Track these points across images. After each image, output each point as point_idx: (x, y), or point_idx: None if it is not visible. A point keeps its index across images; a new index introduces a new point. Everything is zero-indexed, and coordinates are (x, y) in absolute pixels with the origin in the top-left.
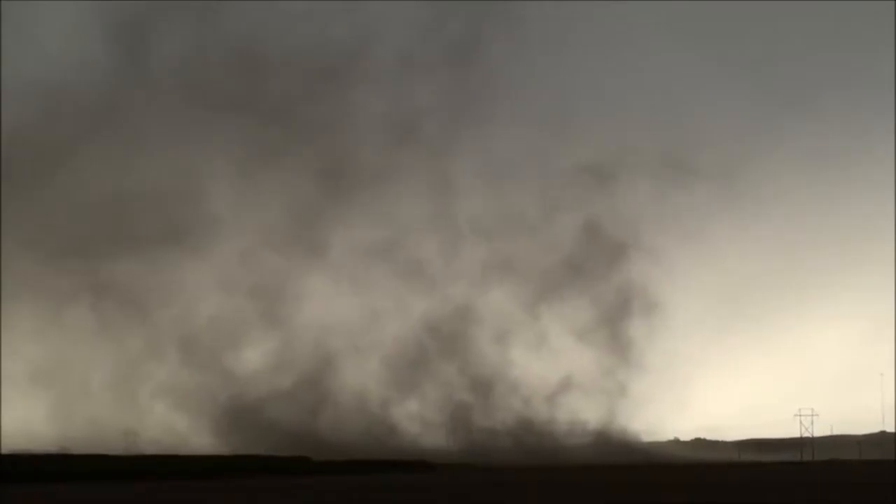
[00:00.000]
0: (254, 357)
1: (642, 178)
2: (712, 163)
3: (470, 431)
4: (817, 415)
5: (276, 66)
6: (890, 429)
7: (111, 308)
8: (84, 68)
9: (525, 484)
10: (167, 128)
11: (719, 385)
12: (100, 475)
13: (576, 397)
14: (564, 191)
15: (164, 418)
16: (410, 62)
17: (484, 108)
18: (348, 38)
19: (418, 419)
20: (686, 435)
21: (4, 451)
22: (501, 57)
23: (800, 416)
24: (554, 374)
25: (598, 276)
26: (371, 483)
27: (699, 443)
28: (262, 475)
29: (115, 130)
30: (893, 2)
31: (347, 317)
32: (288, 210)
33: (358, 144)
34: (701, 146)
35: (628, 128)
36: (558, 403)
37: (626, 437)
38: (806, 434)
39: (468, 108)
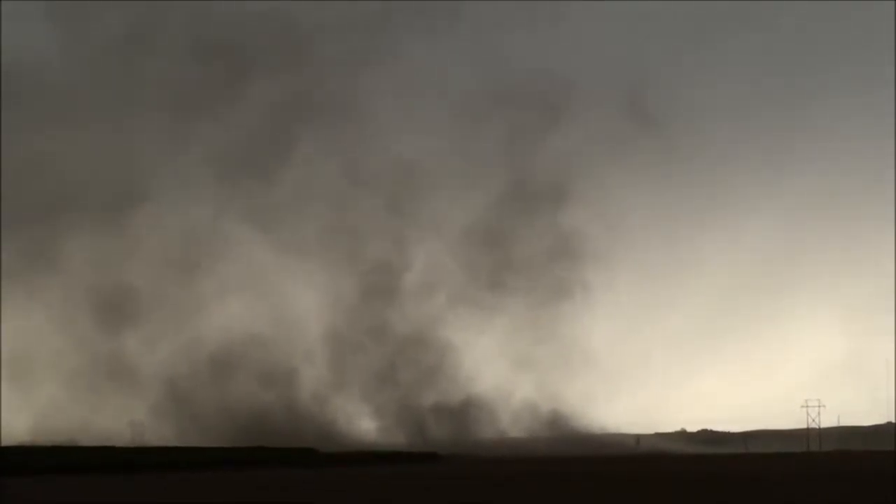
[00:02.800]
0: (190, 332)
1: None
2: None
3: (409, 418)
4: (824, 405)
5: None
6: None
7: (51, 283)
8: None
9: (527, 474)
10: (102, 97)
11: (725, 376)
12: (105, 467)
13: (522, 380)
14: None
15: (104, 401)
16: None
17: (401, 29)
18: None
19: (353, 404)
20: (692, 426)
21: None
22: None
23: (806, 406)
24: (503, 354)
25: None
26: (383, 474)
27: (705, 434)
28: (267, 467)
29: (47, 101)
30: (894, 1)
31: (277, 289)
32: (220, 173)
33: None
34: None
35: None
36: (503, 386)
37: (585, 426)
38: (813, 425)
39: (385, 30)
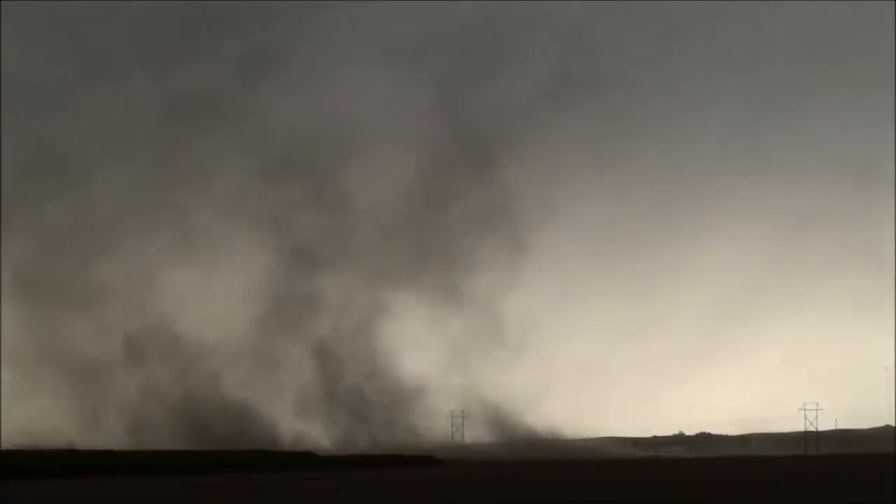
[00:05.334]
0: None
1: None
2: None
3: (341, 417)
4: (821, 409)
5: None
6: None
7: None
8: None
9: (530, 479)
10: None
11: (724, 379)
12: (104, 471)
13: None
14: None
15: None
16: None
17: None
18: None
19: (279, 405)
20: (690, 429)
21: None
22: None
23: (804, 409)
24: (427, 351)
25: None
26: (384, 478)
27: (703, 437)
28: (267, 471)
29: None
30: (893, 1)
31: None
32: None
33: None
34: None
35: None
36: (436, 385)
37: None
38: (810, 428)
39: None
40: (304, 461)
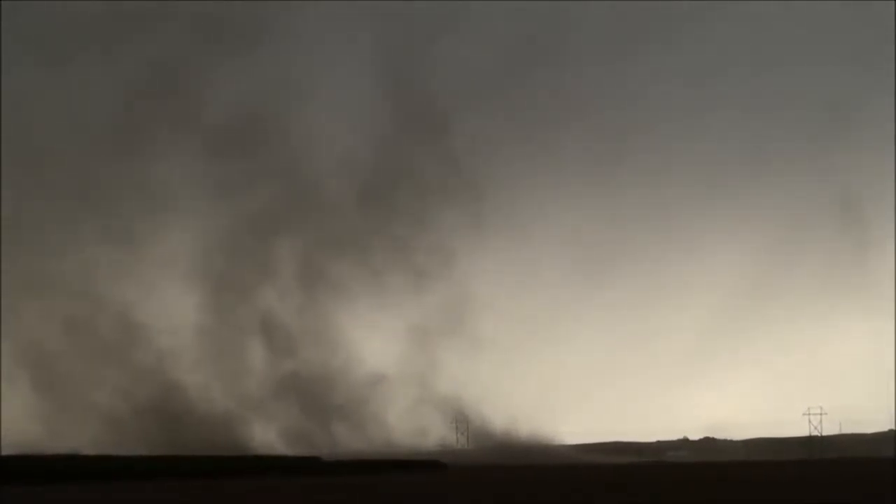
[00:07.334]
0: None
1: None
2: None
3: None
4: (826, 413)
5: None
6: None
7: None
8: None
9: (529, 482)
10: None
11: (729, 384)
12: (107, 475)
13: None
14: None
15: None
16: None
17: None
18: None
19: (235, 407)
20: (694, 434)
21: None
22: None
23: (808, 414)
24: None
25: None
26: (384, 483)
27: (707, 442)
28: (272, 475)
29: None
30: (893, 1)
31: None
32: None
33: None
34: None
35: None
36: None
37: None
38: (815, 433)
39: None
40: (308, 465)
